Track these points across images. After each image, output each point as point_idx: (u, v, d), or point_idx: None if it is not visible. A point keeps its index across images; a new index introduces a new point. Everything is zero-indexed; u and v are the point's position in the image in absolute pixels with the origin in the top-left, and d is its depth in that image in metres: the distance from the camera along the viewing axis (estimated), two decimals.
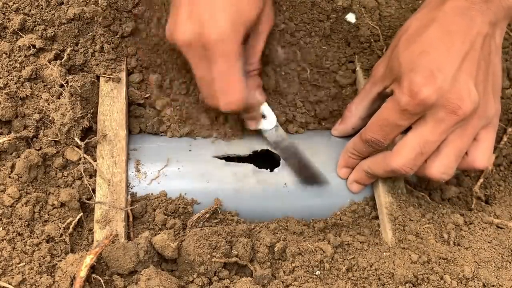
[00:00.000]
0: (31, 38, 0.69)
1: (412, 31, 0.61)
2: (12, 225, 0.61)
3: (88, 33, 0.69)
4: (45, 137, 0.66)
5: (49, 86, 0.68)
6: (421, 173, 0.62)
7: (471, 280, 0.61)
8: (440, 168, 0.61)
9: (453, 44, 0.57)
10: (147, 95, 0.70)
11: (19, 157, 0.64)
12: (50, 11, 0.69)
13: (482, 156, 0.63)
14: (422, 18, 0.62)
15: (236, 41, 0.58)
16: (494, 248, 0.65)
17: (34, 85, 0.68)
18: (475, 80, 0.58)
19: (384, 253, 0.63)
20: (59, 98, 0.66)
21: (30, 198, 0.62)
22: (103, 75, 0.69)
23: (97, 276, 0.58)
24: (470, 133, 0.60)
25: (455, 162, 0.61)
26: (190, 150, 0.69)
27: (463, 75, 0.57)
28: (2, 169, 0.64)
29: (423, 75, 0.57)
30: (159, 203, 0.65)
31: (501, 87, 0.64)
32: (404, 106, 0.58)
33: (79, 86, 0.65)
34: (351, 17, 0.75)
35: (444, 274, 0.61)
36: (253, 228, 0.64)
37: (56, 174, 0.66)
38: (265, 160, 0.71)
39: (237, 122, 0.71)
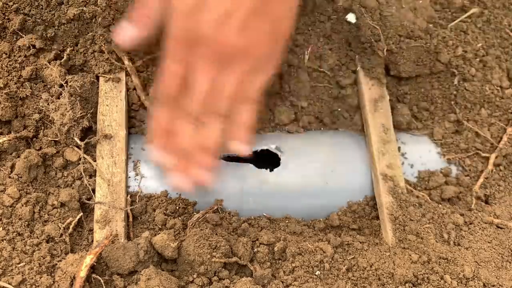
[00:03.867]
0: (31, 38, 0.69)
1: None
2: (12, 225, 0.61)
3: (88, 33, 0.69)
4: (45, 137, 0.66)
5: (49, 86, 0.68)
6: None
7: (471, 280, 0.61)
8: (214, 109, 0.60)
9: None
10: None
11: (19, 157, 0.64)
12: (50, 11, 0.69)
13: (247, 93, 0.62)
14: None
15: None
16: (494, 248, 0.65)
17: (34, 85, 0.68)
18: (243, 27, 0.55)
19: (384, 253, 0.63)
20: (58, 98, 0.66)
21: (30, 198, 0.62)
22: (103, 75, 0.69)
23: (97, 276, 0.58)
24: (239, 76, 0.59)
25: (230, 100, 0.60)
26: None
27: (231, 21, 0.55)
28: (2, 169, 0.64)
29: (185, 16, 0.56)
30: (159, 203, 0.65)
31: (288, 32, 0.61)
32: (171, 50, 0.58)
33: (78, 86, 0.65)
34: (351, 17, 0.75)
35: (444, 274, 0.61)
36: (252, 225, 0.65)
37: (56, 174, 0.66)
38: (265, 160, 0.71)
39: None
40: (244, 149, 0.63)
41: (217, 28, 0.55)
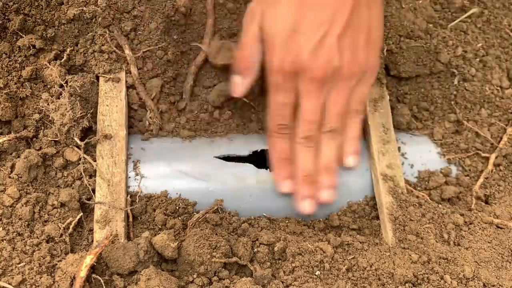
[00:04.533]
0: (31, 38, 0.69)
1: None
2: (12, 225, 0.61)
3: (88, 33, 0.69)
4: (45, 137, 0.66)
5: (48, 86, 0.68)
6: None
7: (471, 280, 0.61)
8: (330, 124, 0.64)
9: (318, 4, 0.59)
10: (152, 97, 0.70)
11: (19, 157, 0.64)
12: (50, 11, 0.69)
13: (355, 103, 0.66)
14: None
15: None
16: (494, 248, 0.65)
17: (34, 85, 0.68)
18: (339, 41, 0.59)
19: (384, 253, 0.63)
20: (58, 98, 0.66)
21: (30, 198, 0.62)
22: (103, 75, 0.69)
23: (97, 276, 0.58)
24: (343, 92, 0.63)
25: (340, 117, 0.65)
26: (190, 150, 0.69)
27: (328, 39, 0.59)
28: (2, 169, 0.64)
29: (282, 48, 0.60)
30: (159, 203, 0.65)
31: (381, 39, 0.66)
32: (274, 82, 0.62)
33: (78, 86, 0.65)
34: None
35: (444, 274, 0.61)
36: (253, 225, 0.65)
37: (56, 174, 0.66)
38: (265, 160, 0.71)
39: (238, 122, 0.71)
40: (357, 162, 0.68)
41: (316, 52, 0.59)
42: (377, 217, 0.69)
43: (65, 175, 0.65)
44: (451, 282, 0.60)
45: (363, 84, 0.65)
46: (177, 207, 0.65)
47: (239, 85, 0.67)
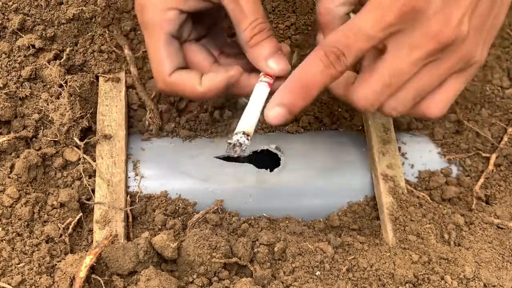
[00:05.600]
0: (31, 38, 0.69)
1: None
2: (12, 226, 0.61)
3: (88, 33, 0.69)
4: (44, 137, 0.66)
5: (48, 86, 0.68)
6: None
7: (471, 281, 0.61)
8: (394, 104, 0.53)
9: None
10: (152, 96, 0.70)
11: (18, 157, 0.64)
12: (49, 11, 0.69)
13: (438, 105, 0.55)
14: None
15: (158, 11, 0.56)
16: (495, 249, 0.65)
17: (34, 85, 0.68)
18: (471, 12, 0.49)
19: (385, 253, 0.63)
20: (58, 98, 0.66)
21: (30, 198, 0.62)
22: (103, 75, 0.68)
23: (97, 277, 0.58)
24: (442, 73, 0.52)
25: (412, 101, 0.53)
26: (190, 150, 0.69)
27: (460, 2, 0.48)
28: (1, 169, 0.64)
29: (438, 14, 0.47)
30: (159, 204, 0.65)
31: (494, 37, 0.55)
32: (384, 10, 0.48)
33: (78, 86, 0.65)
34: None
35: (445, 275, 0.61)
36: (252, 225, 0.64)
37: (55, 174, 0.65)
38: (265, 160, 0.71)
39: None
40: None
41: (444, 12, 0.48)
42: (378, 218, 0.69)
43: (65, 175, 0.65)
44: (451, 283, 0.60)
45: (464, 78, 0.54)
46: (177, 208, 0.65)
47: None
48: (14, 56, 0.69)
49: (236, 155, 0.52)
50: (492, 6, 0.50)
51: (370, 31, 0.48)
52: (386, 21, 0.48)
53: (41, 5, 0.69)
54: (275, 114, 0.51)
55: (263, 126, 0.72)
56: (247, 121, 0.52)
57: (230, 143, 0.51)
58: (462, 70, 0.53)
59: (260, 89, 0.56)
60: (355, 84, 0.53)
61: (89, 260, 0.57)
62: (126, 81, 0.69)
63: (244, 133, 0.51)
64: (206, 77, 0.57)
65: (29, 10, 0.69)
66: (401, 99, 0.52)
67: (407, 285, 0.60)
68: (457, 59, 0.51)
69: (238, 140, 0.51)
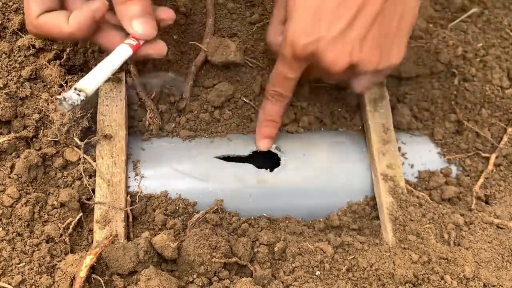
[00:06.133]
0: (31, 38, 0.69)
1: None
2: (12, 225, 0.61)
3: None
4: (44, 137, 0.66)
5: (48, 86, 0.68)
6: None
7: (471, 280, 0.61)
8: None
9: None
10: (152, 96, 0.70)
11: (18, 157, 0.64)
12: None
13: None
14: None
15: None
16: (495, 248, 0.65)
17: (34, 85, 0.68)
18: (367, 33, 0.55)
19: (385, 253, 0.63)
20: None
21: (30, 198, 0.62)
22: None
23: (97, 277, 0.58)
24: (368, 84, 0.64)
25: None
26: (190, 150, 0.69)
27: (351, 31, 0.55)
28: (1, 169, 0.64)
29: (304, 24, 0.56)
30: (159, 203, 0.65)
31: (412, 24, 0.59)
32: (286, 57, 0.58)
33: None
34: None
35: (445, 274, 0.61)
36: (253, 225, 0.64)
37: (55, 174, 0.65)
38: (265, 160, 0.71)
39: (238, 122, 0.71)
40: None
41: (334, 45, 0.56)
42: (377, 217, 0.69)
43: (65, 175, 0.65)
44: (451, 282, 0.60)
45: (375, 76, 0.63)
46: (177, 207, 0.65)
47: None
48: (14, 56, 0.69)
49: (66, 110, 0.51)
50: (393, 11, 0.56)
51: (288, 75, 0.62)
52: (294, 67, 0.60)
53: None
54: (264, 144, 0.69)
55: None
56: (88, 78, 0.52)
57: (57, 98, 0.50)
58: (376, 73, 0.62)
59: (119, 50, 0.56)
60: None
61: (89, 260, 0.57)
62: (126, 81, 0.69)
63: (76, 88, 0.50)
64: (71, 16, 0.57)
65: None
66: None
67: (407, 285, 0.60)
68: (373, 76, 0.63)
69: (68, 95, 0.50)
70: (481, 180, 0.73)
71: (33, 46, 0.69)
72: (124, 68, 0.69)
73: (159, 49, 0.61)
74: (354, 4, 0.54)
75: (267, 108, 0.67)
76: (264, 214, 0.68)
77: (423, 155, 0.73)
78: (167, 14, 0.61)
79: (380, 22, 0.55)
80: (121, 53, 0.55)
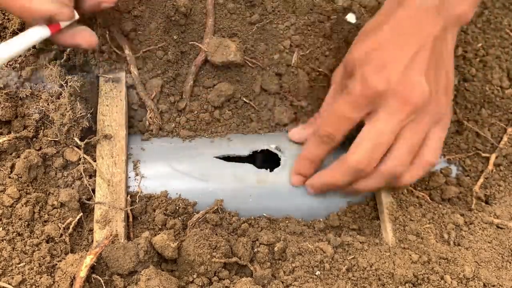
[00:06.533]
0: None
1: (365, 32, 0.63)
2: (12, 225, 0.61)
3: None
4: (44, 137, 0.66)
5: (49, 86, 0.68)
6: (376, 169, 0.62)
7: (471, 280, 0.61)
8: (394, 162, 0.61)
9: (404, 43, 0.59)
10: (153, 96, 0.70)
11: (19, 157, 0.64)
12: None
13: (431, 153, 0.63)
14: (376, 22, 0.63)
15: None
16: (494, 248, 0.65)
17: (34, 85, 0.68)
18: (426, 77, 0.59)
19: (385, 253, 0.63)
20: (58, 98, 0.66)
21: (30, 198, 0.62)
22: (103, 75, 0.68)
23: (97, 276, 0.58)
24: (422, 129, 0.61)
25: (408, 156, 0.61)
26: (190, 150, 0.69)
27: (414, 70, 0.59)
28: (2, 169, 0.64)
29: (374, 66, 0.59)
30: (159, 203, 0.65)
31: (453, 91, 0.65)
32: (355, 96, 0.59)
33: (78, 86, 0.65)
34: (351, 18, 0.75)
35: (445, 274, 0.61)
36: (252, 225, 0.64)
37: (56, 174, 0.65)
38: (265, 160, 0.71)
39: (238, 121, 0.71)
40: None
41: (407, 76, 0.58)
42: (377, 217, 0.69)
43: (65, 175, 0.65)
44: (451, 282, 0.60)
45: (441, 128, 0.63)
46: (177, 207, 0.65)
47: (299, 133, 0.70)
48: None
49: None
50: (439, 66, 0.61)
51: (349, 114, 0.61)
52: (359, 105, 0.60)
53: None
54: (296, 180, 0.68)
55: (263, 126, 0.72)
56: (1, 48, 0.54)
57: None
58: (437, 122, 0.62)
59: (37, 28, 0.56)
60: (348, 153, 0.62)
61: (89, 260, 0.57)
62: (126, 81, 0.69)
63: None
64: None
65: None
66: (397, 155, 0.60)
67: (406, 284, 0.60)
68: (429, 116, 0.61)
69: None
70: (481, 180, 0.73)
71: (33, 46, 0.69)
72: (124, 68, 0.69)
73: (87, 39, 0.60)
74: (411, 48, 0.59)
75: (312, 148, 0.66)
76: (264, 214, 0.68)
77: None
78: None
79: (434, 69, 0.60)
80: (37, 31, 0.56)
